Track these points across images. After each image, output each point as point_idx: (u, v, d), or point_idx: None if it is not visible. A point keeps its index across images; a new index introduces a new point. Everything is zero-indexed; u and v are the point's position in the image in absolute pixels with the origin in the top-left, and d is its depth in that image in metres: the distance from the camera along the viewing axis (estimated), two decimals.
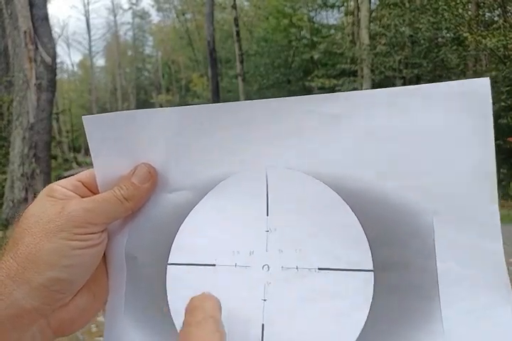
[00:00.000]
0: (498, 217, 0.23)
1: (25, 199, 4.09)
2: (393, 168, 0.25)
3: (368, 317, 0.24)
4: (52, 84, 4.27)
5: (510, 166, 6.26)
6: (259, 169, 0.27)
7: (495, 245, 0.23)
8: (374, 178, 0.25)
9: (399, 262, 0.24)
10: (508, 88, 6.37)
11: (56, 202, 0.28)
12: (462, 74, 7.77)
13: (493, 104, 0.24)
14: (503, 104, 6.30)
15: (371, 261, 0.24)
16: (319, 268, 0.25)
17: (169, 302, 0.28)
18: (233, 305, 0.26)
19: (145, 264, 0.29)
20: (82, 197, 0.29)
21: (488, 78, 0.24)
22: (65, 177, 0.32)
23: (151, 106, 22.66)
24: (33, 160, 4.09)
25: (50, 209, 0.27)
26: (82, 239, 0.27)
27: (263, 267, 0.26)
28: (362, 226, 0.25)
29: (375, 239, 0.25)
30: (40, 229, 0.26)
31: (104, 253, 0.31)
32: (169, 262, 0.28)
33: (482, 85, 0.24)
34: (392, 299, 0.24)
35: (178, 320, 0.27)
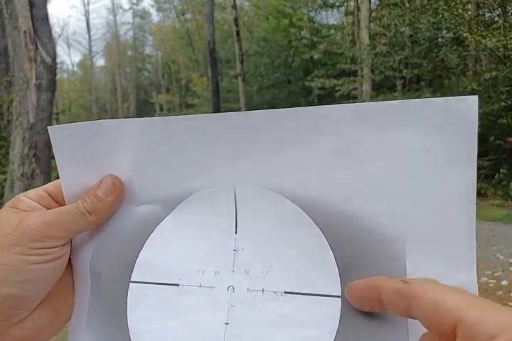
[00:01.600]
0: (474, 248, 0.22)
1: None
2: (364, 191, 0.24)
3: None
4: (52, 84, 4.26)
5: (510, 166, 6.26)
6: (227, 185, 0.26)
7: (469, 277, 0.22)
8: (341, 200, 0.24)
9: None
10: (508, 88, 6.37)
11: (18, 213, 0.27)
12: (462, 74, 7.77)
13: (493, 104, 0.23)
14: (503, 104, 6.30)
15: (339, 287, 0.23)
16: (285, 292, 0.24)
17: (129, 323, 0.26)
18: (194, 328, 0.25)
19: (108, 280, 0.28)
20: (48, 208, 0.28)
21: (477, 97, 0.22)
22: None
23: (151, 106, 22.67)
24: (33, 160, 4.09)
25: (9, 222, 0.26)
26: (39, 254, 0.25)
27: (228, 288, 0.25)
28: (332, 249, 0.24)
29: (344, 263, 0.24)
30: None
31: (72, 268, 0.30)
32: (132, 280, 0.27)
33: (469, 104, 0.22)
34: (359, 326, 0.22)
35: None
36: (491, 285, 2.59)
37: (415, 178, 0.23)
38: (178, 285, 0.26)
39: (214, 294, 0.25)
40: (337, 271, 0.24)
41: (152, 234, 0.28)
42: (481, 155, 7.06)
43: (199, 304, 0.25)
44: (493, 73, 6.55)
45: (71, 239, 0.29)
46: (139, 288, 0.27)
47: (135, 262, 0.27)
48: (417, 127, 0.23)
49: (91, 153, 0.29)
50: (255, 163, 0.26)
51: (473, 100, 0.22)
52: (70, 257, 0.29)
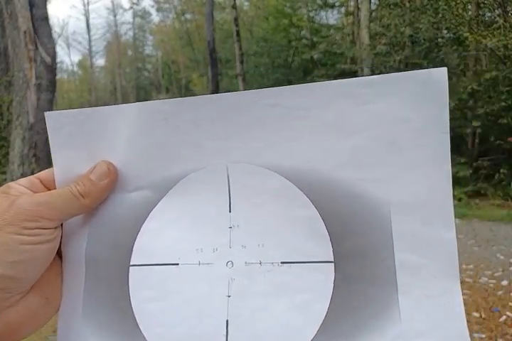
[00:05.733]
0: (452, 207, 0.24)
1: None
2: (352, 160, 0.25)
3: (328, 308, 0.24)
4: (52, 84, 4.26)
5: (510, 166, 6.26)
6: (220, 165, 0.27)
7: (449, 235, 0.24)
8: (333, 170, 0.25)
9: (358, 253, 0.25)
10: (508, 88, 6.36)
11: (8, 197, 0.27)
12: (462, 74, 7.77)
13: (493, 104, 0.24)
14: (503, 104, 6.29)
15: (332, 253, 0.25)
16: (282, 262, 0.25)
17: (133, 304, 0.27)
18: (197, 303, 0.26)
19: (106, 266, 0.28)
20: None
21: (445, 68, 0.24)
22: None
23: None
24: (33, 160, 4.09)
25: (1, 205, 0.26)
26: (31, 234, 0.25)
27: (227, 264, 0.26)
28: (322, 218, 0.25)
29: (334, 231, 0.25)
30: None
31: (61, 257, 0.30)
32: (131, 263, 0.28)
33: (439, 75, 0.24)
34: (351, 288, 0.24)
35: (143, 322, 0.27)
36: (491, 285, 2.59)
37: (396, 146, 0.25)
38: (177, 264, 0.27)
39: (213, 270, 0.26)
40: (329, 239, 0.25)
41: (148, 218, 0.28)
42: (481, 155, 7.08)
43: (200, 280, 0.26)
44: (493, 73, 6.54)
45: (62, 228, 0.29)
46: (139, 271, 0.28)
47: (133, 246, 0.28)
48: (395, 99, 0.25)
49: (86, 139, 0.29)
50: (246, 140, 0.27)
51: (443, 71, 0.24)
52: (60, 246, 0.29)
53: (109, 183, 0.28)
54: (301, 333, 0.24)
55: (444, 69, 0.24)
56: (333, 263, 0.25)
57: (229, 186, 0.27)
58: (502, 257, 3.14)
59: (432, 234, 0.24)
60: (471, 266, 2.94)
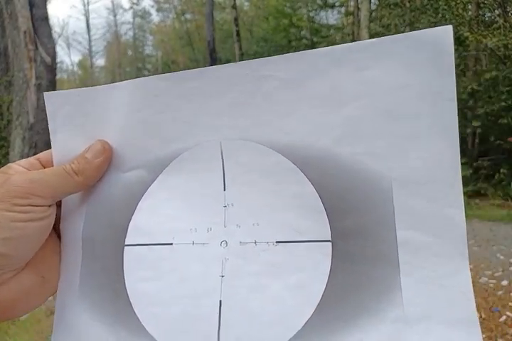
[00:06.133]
0: (460, 182, 0.22)
1: None
2: (349, 133, 0.23)
3: (325, 288, 0.23)
4: (52, 84, 4.26)
5: (510, 166, 6.26)
6: (213, 142, 0.26)
7: (456, 211, 0.22)
8: (330, 145, 0.24)
9: (357, 231, 0.23)
10: (508, 88, 6.36)
11: (4, 175, 0.27)
12: (462, 74, 7.77)
13: (493, 104, 0.23)
14: (503, 104, 6.29)
15: (329, 231, 0.24)
16: (277, 242, 0.24)
17: (127, 284, 0.27)
18: (191, 283, 0.25)
19: (102, 246, 0.28)
20: None
21: (451, 26, 0.21)
22: None
23: None
24: None
25: None
26: (22, 211, 0.25)
27: (221, 243, 0.26)
28: (319, 195, 0.24)
29: (332, 208, 0.24)
30: None
31: (60, 237, 0.30)
32: (126, 243, 0.28)
33: (444, 34, 0.21)
34: (350, 269, 0.23)
35: (136, 302, 0.26)
36: (491, 285, 2.59)
37: (396, 115, 0.23)
38: (171, 244, 0.26)
39: (207, 250, 0.26)
40: (326, 216, 0.24)
41: (142, 198, 0.28)
42: (481, 155, 7.08)
43: (194, 260, 0.26)
44: (493, 73, 6.54)
45: (61, 207, 0.29)
46: (133, 251, 0.27)
47: (128, 226, 0.28)
48: (394, 63, 0.22)
49: (84, 120, 0.29)
50: (238, 116, 0.26)
51: (448, 30, 0.22)
52: (59, 227, 0.30)
53: (104, 161, 0.28)
54: (297, 314, 0.23)
55: (450, 28, 0.21)
56: (330, 242, 0.24)
57: (223, 164, 0.26)
58: (502, 257, 3.14)
59: (438, 211, 0.22)
60: (471, 266, 2.94)
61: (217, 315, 0.25)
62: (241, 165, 0.26)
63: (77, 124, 0.29)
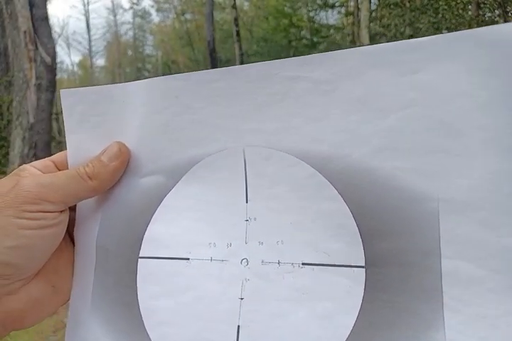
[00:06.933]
0: None
1: None
2: (392, 145, 0.21)
3: (356, 321, 0.20)
4: (52, 84, 4.26)
5: None
6: (236, 149, 0.24)
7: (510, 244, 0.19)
8: (368, 158, 0.21)
9: (395, 258, 0.20)
10: None
11: (16, 178, 0.25)
12: None
13: None
14: None
15: (363, 256, 0.21)
16: (303, 263, 0.22)
17: (139, 300, 0.25)
18: (207, 304, 0.23)
19: (116, 257, 0.27)
20: None
21: None
22: None
23: None
24: (33, 160, 4.07)
25: (5, 185, 0.25)
26: (32, 218, 0.24)
27: (241, 261, 0.23)
28: (352, 214, 0.21)
29: (367, 229, 0.21)
30: None
31: (74, 245, 0.28)
32: (140, 255, 0.26)
33: None
34: (385, 300, 0.20)
35: (148, 320, 0.25)
36: None
37: (453, 128, 0.19)
38: (188, 259, 0.24)
39: (227, 268, 0.24)
40: (360, 238, 0.21)
41: (159, 207, 0.26)
42: None
43: (211, 278, 0.24)
44: None
45: (75, 213, 0.28)
46: (148, 264, 0.25)
47: (143, 237, 0.26)
48: (451, 66, 0.19)
49: (100, 120, 0.28)
50: (264, 120, 0.23)
51: None
52: (73, 234, 0.28)
53: (120, 165, 0.26)
54: None
55: None
56: (363, 269, 0.21)
57: (246, 173, 0.24)
58: None
59: (494, 241, 0.19)
60: None
61: None
62: (266, 176, 0.23)
63: (93, 125, 0.28)
